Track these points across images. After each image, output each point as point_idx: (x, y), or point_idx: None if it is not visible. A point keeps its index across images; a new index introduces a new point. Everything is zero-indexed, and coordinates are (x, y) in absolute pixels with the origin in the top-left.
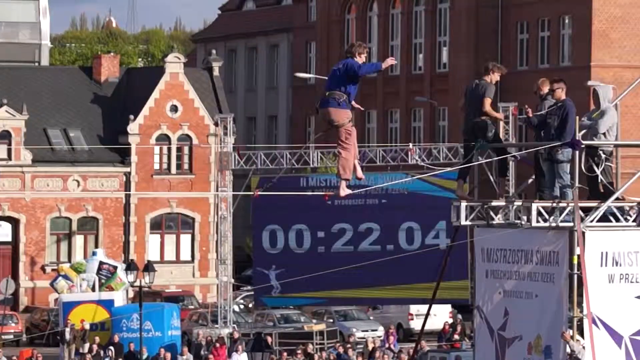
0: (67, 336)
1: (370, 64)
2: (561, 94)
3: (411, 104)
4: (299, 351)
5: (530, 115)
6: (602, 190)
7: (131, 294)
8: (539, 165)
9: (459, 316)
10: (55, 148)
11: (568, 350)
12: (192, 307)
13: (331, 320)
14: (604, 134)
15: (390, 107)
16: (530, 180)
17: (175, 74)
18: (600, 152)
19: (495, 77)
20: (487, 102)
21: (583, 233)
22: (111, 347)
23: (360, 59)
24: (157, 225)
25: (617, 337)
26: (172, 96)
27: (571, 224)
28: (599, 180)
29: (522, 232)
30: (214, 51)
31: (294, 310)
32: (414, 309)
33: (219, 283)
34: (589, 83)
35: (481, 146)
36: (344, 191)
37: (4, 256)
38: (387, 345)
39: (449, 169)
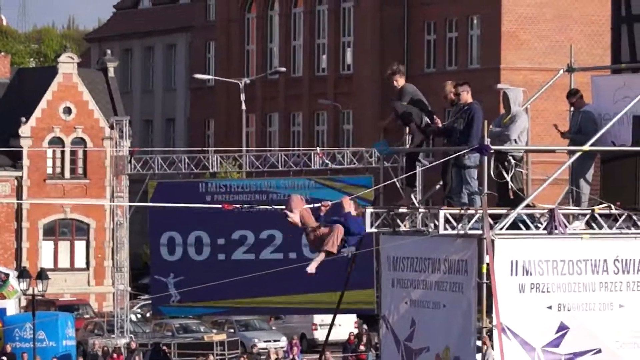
0: None
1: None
2: (467, 96)
3: (314, 106)
4: None
5: (440, 125)
6: (512, 197)
7: (24, 303)
8: (447, 170)
9: (365, 326)
10: None
11: None
12: (88, 316)
13: (232, 331)
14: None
15: (293, 110)
16: (438, 186)
17: (68, 74)
18: (510, 157)
19: (401, 81)
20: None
21: (492, 241)
22: (3, 358)
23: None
24: (51, 232)
25: (528, 348)
26: (65, 98)
27: (480, 232)
28: (509, 187)
29: (429, 239)
30: (108, 51)
31: (194, 320)
32: (317, 318)
33: (115, 291)
34: (499, 86)
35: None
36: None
37: None
38: (290, 357)
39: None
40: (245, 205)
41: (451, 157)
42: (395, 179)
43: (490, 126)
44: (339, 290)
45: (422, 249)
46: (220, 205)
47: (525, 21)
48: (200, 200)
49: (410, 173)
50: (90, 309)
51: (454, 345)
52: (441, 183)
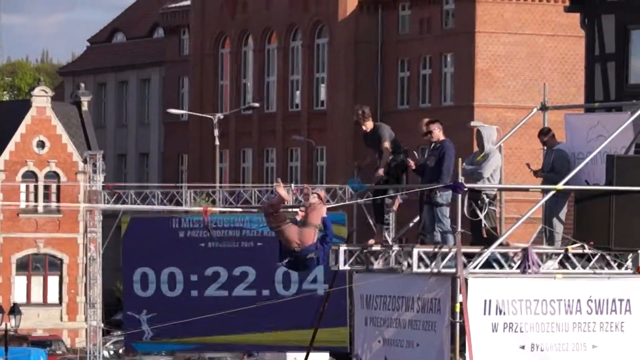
0: None
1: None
2: (439, 134)
3: (288, 142)
4: None
5: (414, 167)
6: (485, 236)
7: None
8: (422, 208)
9: None
10: None
11: None
12: (60, 352)
13: None
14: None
15: (266, 146)
16: (412, 224)
17: (42, 108)
18: (484, 195)
19: (369, 124)
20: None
21: (466, 280)
22: None
23: None
24: (24, 266)
25: None
26: (38, 131)
27: (453, 270)
28: (482, 225)
29: (402, 278)
30: (82, 85)
31: (166, 356)
32: (290, 356)
33: (88, 327)
34: (472, 124)
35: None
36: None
37: None
38: None
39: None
40: (226, 210)
41: (423, 188)
42: (362, 199)
43: (463, 164)
44: (312, 328)
45: (395, 287)
46: (199, 210)
47: (499, 59)
48: (174, 236)
49: (380, 197)
50: (63, 345)
51: None
52: (416, 220)
